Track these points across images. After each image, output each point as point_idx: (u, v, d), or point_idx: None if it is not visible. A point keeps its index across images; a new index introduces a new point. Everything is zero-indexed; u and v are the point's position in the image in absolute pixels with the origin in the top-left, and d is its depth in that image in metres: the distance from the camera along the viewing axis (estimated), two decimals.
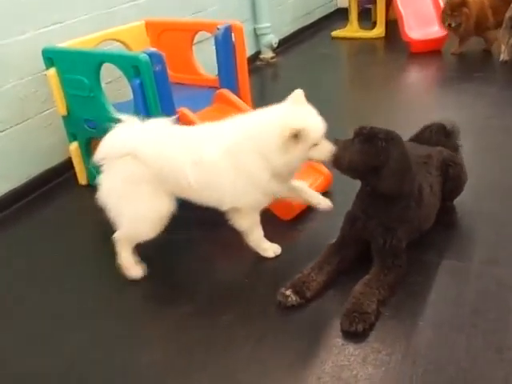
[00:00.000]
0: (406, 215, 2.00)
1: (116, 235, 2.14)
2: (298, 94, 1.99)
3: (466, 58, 4.46)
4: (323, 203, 2.28)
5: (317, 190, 2.36)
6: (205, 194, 2.09)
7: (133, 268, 2.16)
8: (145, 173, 2.03)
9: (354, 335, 1.78)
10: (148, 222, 2.09)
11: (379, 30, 5.20)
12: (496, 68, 4.25)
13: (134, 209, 2.07)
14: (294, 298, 1.93)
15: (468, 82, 3.94)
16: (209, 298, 2.06)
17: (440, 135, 2.35)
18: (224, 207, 2.10)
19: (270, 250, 2.22)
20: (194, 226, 2.46)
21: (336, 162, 1.97)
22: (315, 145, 1.95)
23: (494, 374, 1.62)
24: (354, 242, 2.07)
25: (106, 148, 2.06)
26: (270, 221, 2.28)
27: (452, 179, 2.23)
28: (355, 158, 1.91)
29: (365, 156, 1.90)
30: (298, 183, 2.22)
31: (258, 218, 2.16)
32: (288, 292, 1.94)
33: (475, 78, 4.00)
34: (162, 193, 2.07)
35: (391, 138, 1.90)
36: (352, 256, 2.08)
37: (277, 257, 2.21)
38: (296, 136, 1.89)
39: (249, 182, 2.01)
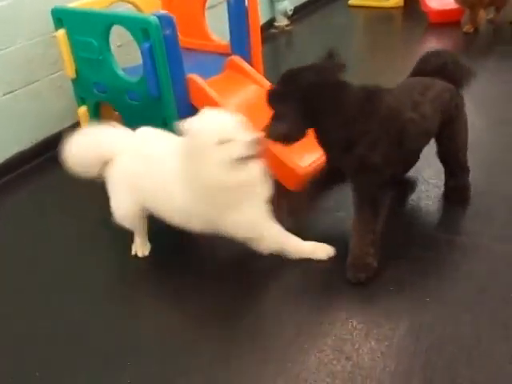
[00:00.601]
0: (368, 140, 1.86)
1: None
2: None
3: (485, 32, 4.32)
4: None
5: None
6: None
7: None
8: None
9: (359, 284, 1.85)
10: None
11: (396, 0, 5.05)
12: None
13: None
14: None
15: (486, 55, 3.83)
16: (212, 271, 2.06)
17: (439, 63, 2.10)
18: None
19: (319, 250, 2.00)
20: None
21: (288, 134, 1.83)
22: (227, 143, 1.69)
23: (499, 351, 1.60)
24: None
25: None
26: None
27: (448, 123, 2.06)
28: (300, 110, 1.77)
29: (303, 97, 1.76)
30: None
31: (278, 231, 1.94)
32: None
33: (494, 51, 3.89)
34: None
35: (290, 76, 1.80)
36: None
37: None
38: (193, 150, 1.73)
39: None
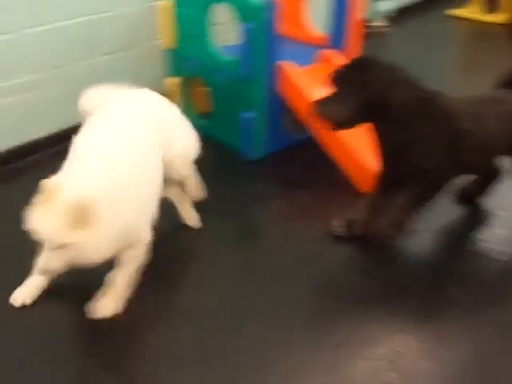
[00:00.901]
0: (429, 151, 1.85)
1: None
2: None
3: None
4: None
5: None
6: None
7: None
8: None
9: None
10: None
11: (503, 16, 4.83)
12: None
13: None
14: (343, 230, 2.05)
15: None
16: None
17: None
18: None
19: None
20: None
21: (337, 118, 1.83)
22: None
23: None
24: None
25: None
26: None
27: None
28: (353, 101, 1.78)
29: (360, 90, 1.77)
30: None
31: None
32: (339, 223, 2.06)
33: None
34: None
35: (370, 61, 1.81)
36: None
37: None
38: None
39: None
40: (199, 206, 2.18)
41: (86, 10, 2.67)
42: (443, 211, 2.21)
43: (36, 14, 2.49)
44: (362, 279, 1.95)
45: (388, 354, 1.65)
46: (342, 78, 1.82)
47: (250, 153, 2.58)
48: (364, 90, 1.77)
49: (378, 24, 4.64)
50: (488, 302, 1.86)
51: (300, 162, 2.60)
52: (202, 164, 2.13)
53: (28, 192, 1.51)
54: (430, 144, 1.83)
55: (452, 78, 3.90)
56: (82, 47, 2.72)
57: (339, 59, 2.67)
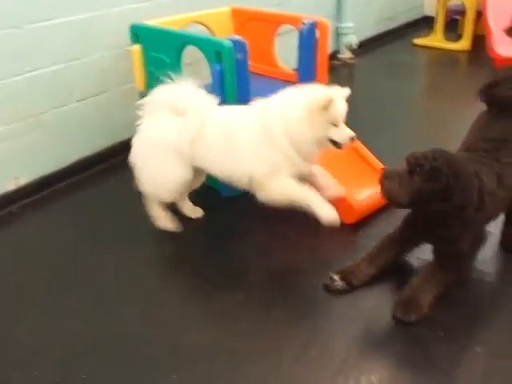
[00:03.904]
0: (464, 227, 1.90)
1: (141, 190, 2.30)
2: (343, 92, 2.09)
3: None
4: (337, 190, 2.26)
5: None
6: (227, 161, 2.16)
7: (164, 219, 2.32)
8: (167, 137, 2.17)
9: (405, 323, 1.82)
10: (163, 185, 2.24)
11: (464, 43, 5.02)
12: None
13: (152, 171, 2.23)
14: (340, 284, 1.99)
15: None
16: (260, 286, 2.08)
17: None
18: (244, 179, 2.14)
19: (328, 211, 2.06)
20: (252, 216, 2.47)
21: (394, 200, 1.85)
22: (335, 126, 2.02)
23: None
24: (410, 240, 2.05)
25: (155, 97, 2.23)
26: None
27: None
28: (417, 195, 1.79)
29: (429, 193, 1.77)
30: (315, 167, 2.23)
31: (288, 182, 2.09)
32: (336, 277, 2.00)
33: None
34: (180, 160, 2.19)
35: (453, 170, 1.76)
36: (406, 251, 2.08)
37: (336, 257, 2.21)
38: (322, 108, 1.97)
39: (269, 145, 2.07)
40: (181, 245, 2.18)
41: (59, 58, 2.70)
42: None
43: (10, 64, 2.51)
44: (348, 307, 1.96)
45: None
46: (424, 173, 1.77)
47: (228, 190, 2.59)
48: (439, 193, 1.76)
49: (346, 56, 4.78)
50: (475, 325, 1.87)
51: None
52: None
53: None
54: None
55: (417, 104, 4.02)
56: (55, 95, 2.74)
57: None
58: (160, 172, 2.24)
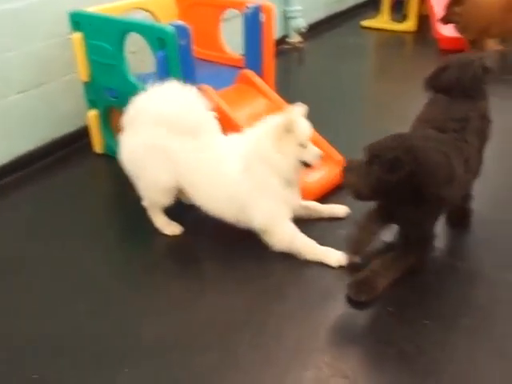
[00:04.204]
0: (432, 210, 1.91)
1: (143, 203, 2.27)
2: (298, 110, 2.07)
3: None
4: (340, 211, 2.33)
5: (334, 180, 2.35)
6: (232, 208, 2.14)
7: (168, 226, 2.28)
8: (160, 141, 2.11)
9: (357, 304, 1.81)
10: (158, 190, 2.18)
11: (410, 24, 5.10)
12: None
13: (146, 176, 2.18)
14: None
15: (496, 84, 3.84)
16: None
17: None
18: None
19: (334, 257, 2.06)
20: None
21: (355, 193, 1.84)
22: (303, 147, 2.04)
23: (493, 378, 1.61)
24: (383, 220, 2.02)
25: (135, 109, 2.14)
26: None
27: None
28: (379, 186, 1.77)
29: (391, 183, 1.75)
30: (309, 202, 2.30)
31: (293, 229, 2.11)
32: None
33: (504, 80, 3.90)
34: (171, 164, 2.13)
35: (414, 157, 1.72)
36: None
37: None
38: (286, 130, 1.99)
39: (265, 193, 2.07)
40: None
41: None
42: None
43: None
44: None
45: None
46: (383, 164, 1.74)
47: None
48: (403, 182, 1.73)
49: (295, 40, 4.77)
50: (424, 298, 1.92)
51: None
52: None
53: None
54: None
55: (366, 85, 4.06)
56: None
57: (257, 78, 2.73)
58: (152, 175, 2.17)
